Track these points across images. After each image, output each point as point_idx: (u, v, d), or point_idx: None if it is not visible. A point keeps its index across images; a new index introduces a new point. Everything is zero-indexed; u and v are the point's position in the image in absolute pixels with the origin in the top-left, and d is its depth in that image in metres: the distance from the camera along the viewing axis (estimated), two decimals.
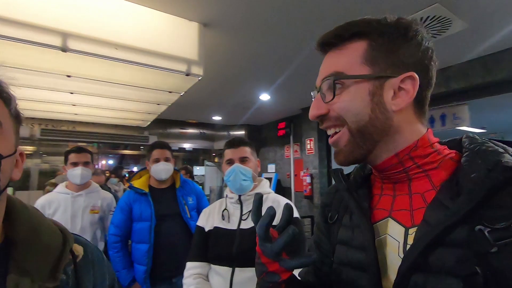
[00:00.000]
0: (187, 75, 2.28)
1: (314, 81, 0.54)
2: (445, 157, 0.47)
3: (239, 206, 1.33)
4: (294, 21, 2.31)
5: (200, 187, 2.42)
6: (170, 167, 1.98)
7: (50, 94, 2.72)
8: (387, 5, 2.06)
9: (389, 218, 0.48)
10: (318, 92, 0.51)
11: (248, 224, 1.26)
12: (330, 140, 0.51)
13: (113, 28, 1.95)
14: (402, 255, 0.43)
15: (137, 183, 1.97)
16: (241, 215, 1.30)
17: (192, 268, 1.28)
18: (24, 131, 4.60)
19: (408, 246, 0.43)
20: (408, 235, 0.44)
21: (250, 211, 1.25)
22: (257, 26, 2.40)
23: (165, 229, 1.89)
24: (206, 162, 7.24)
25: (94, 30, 1.88)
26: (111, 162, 6.87)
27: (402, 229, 0.45)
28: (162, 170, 1.94)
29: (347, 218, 0.54)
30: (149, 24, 2.11)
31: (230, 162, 1.33)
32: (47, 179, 5.53)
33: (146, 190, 1.94)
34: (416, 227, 0.43)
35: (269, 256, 0.48)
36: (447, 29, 2.38)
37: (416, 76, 0.46)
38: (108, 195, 2.18)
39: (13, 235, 0.47)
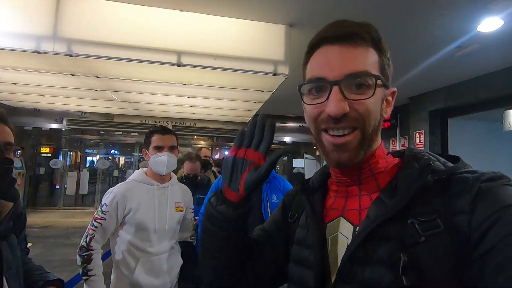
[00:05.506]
0: (274, 75, 2.48)
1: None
2: (390, 164, 0.52)
3: None
4: (378, 14, 2.16)
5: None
6: None
7: (173, 99, 3.51)
8: None
9: (341, 217, 0.51)
10: (334, 85, 0.46)
11: None
12: (339, 140, 0.47)
13: (213, 42, 2.35)
14: None
15: None
16: None
17: None
18: None
19: None
20: (356, 232, 0.47)
21: None
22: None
23: None
24: (306, 155, 7.37)
25: (200, 46, 2.32)
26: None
27: (351, 227, 0.49)
28: None
29: (303, 219, 0.57)
30: (241, 33, 2.41)
31: None
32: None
33: None
34: None
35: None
36: None
37: (396, 92, 0.54)
38: (187, 189, 1.78)
39: None
